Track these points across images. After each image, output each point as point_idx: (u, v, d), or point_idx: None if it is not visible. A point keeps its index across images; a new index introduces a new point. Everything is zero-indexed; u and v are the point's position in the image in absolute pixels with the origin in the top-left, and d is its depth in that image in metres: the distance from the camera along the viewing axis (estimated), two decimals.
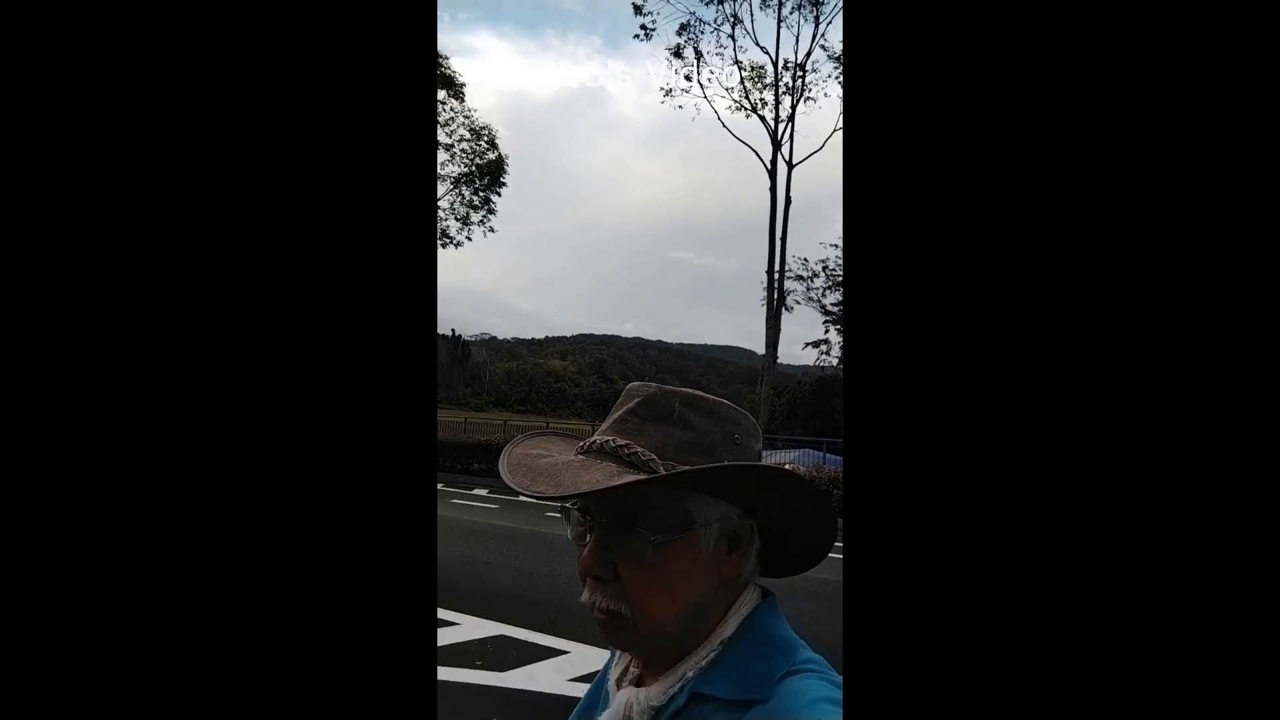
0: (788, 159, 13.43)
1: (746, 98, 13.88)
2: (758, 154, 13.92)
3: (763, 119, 13.85)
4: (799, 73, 13.37)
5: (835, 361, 18.62)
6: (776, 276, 14.22)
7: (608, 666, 0.60)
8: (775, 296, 14.53)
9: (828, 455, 12.02)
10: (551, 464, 0.51)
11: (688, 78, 14.29)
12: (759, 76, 13.91)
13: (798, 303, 17.60)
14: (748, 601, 0.53)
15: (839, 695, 0.44)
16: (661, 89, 15.27)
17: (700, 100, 15.07)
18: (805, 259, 18.02)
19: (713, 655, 0.50)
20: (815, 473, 9.56)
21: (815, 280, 17.41)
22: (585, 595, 0.51)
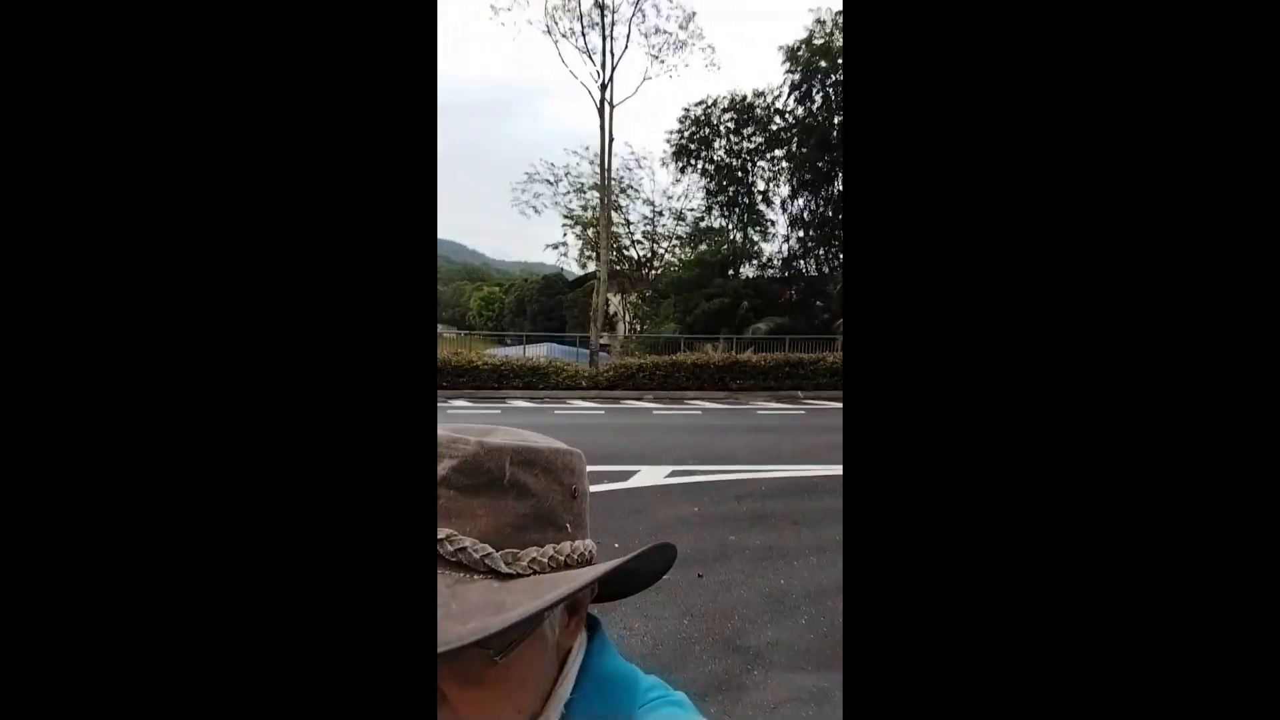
0: (609, 99, 15.84)
1: (560, 22, 16.10)
2: (589, 90, 16.46)
3: (589, 55, 16.12)
4: (607, 15, 15.75)
5: (574, 263, 21.47)
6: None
7: None
8: (609, 241, 16.83)
9: (579, 350, 15.03)
10: None
11: None
12: (572, 6, 15.89)
13: (545, 206, 19.99)
14: (578, 649, 0.47)
15: (696, 717, 0.45)
16: (492, 7, 16.51)
17: (523, 23, 16.61)
18: (552, 163, 20.22)
19: None
20: (569, 365, 12.20)
21: (560, 185, 19.58)
22: None
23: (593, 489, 0.49)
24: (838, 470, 5.33)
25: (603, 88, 15.98)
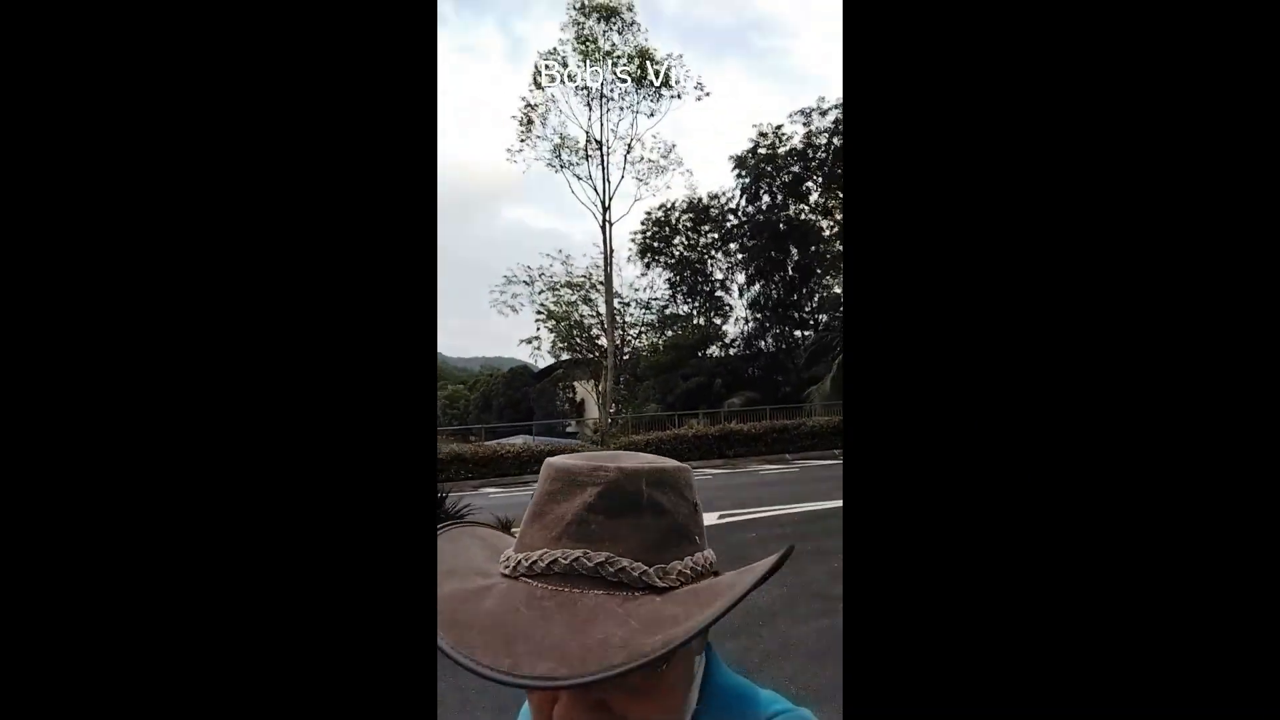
0: (609, 218, 19.64)
1: (559, 159, 19.78)
2: (593, 212, 19.93)
3: (591, 181, 19.89)
4: (603, 149, 19.62)
5: (548, 355, 23.92)
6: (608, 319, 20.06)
7: None
8: (613, 335, 19.84)
9: (551, 440, 16.59)
10: (506, 610, 0.40)
11: (525, 123, 19.23)
12: (571, 146, 19.73)
13: (522, 305, 22.64)
14: (700, 660, 0.49)
15: None
16: (508, 150, 20.24)
17: (532, 161, 20.98)
18: (528, 266, 23.33)
19: None
20: (581, 447, 13.72)
21: (535, 285, 22.31)
22: None
23: None
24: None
25: (605, 209, 19.28)
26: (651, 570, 0.42)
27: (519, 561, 0.43)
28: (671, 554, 0.44)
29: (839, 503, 7.20)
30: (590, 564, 0.41)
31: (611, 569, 0.41)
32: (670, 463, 0.48)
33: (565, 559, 0.42)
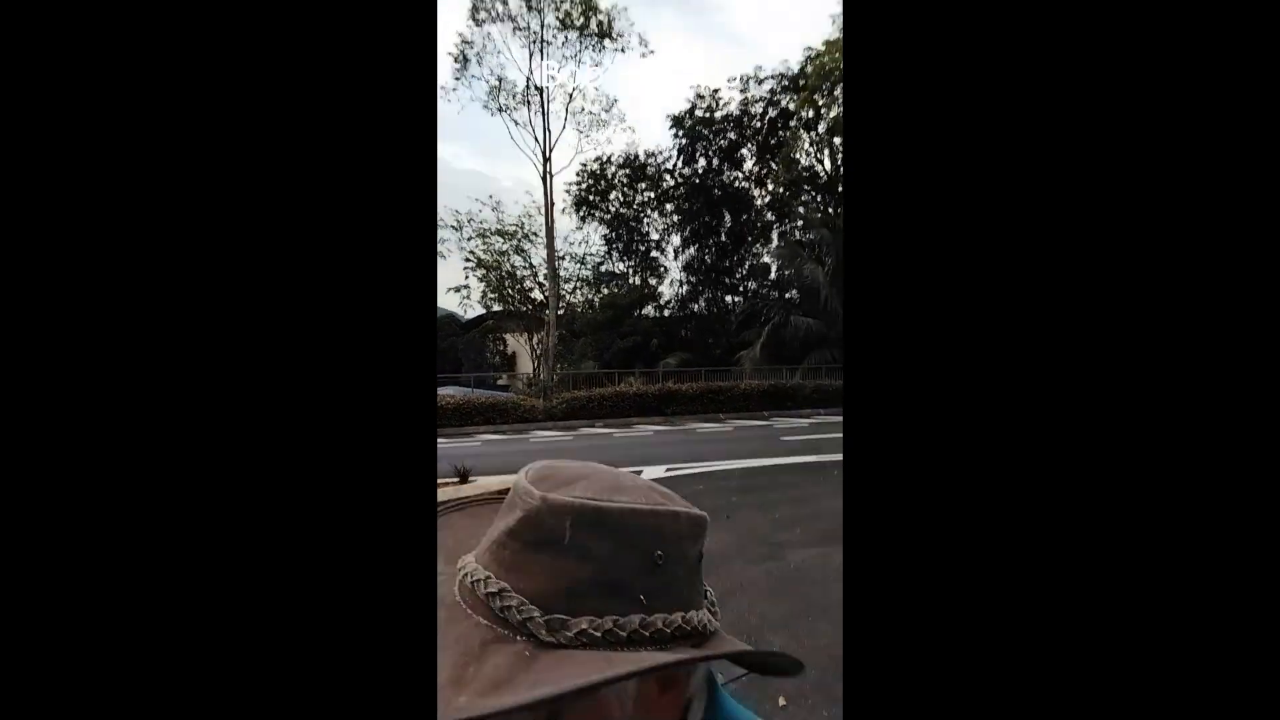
0: (549, 170, 19.51)
1: (497, 101, 19.21)
2: (534, 161, 19.61)
3: (531, 129, 19.79)
4: (543, 95, 19.09)
5: (477, 305, 23.39)
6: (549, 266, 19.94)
7: None
8: (556, 288, 19.85)
9: (480, 392, 16.57)
10: None
11: (461, 60, 18.56)
12: (509, 90, 19.10)
13: (450, 251, 21.97)
14: (697, 704, 0.45)
15: None
16: (442, 87, 19.15)
17: (468, 101, 20.01)
18: (456, 210, 22.26)
19: None
20: (525, 401, 13.76)
21: (463, 230, 21.60)
22: None
23: None
24: (779, 461, 7.90)
25: (545, 159, 18.98)
26: (541, 620, 0.38)
27: (463, 564, 0.43)
28: (585, 608, 0.39)
29: (773, 460, 8.03)
30: (483, 591, 0.40)
31: (498, 604, 0.39)
32: (636, 505, 0.41)
33: (471, 578, 0.41)
